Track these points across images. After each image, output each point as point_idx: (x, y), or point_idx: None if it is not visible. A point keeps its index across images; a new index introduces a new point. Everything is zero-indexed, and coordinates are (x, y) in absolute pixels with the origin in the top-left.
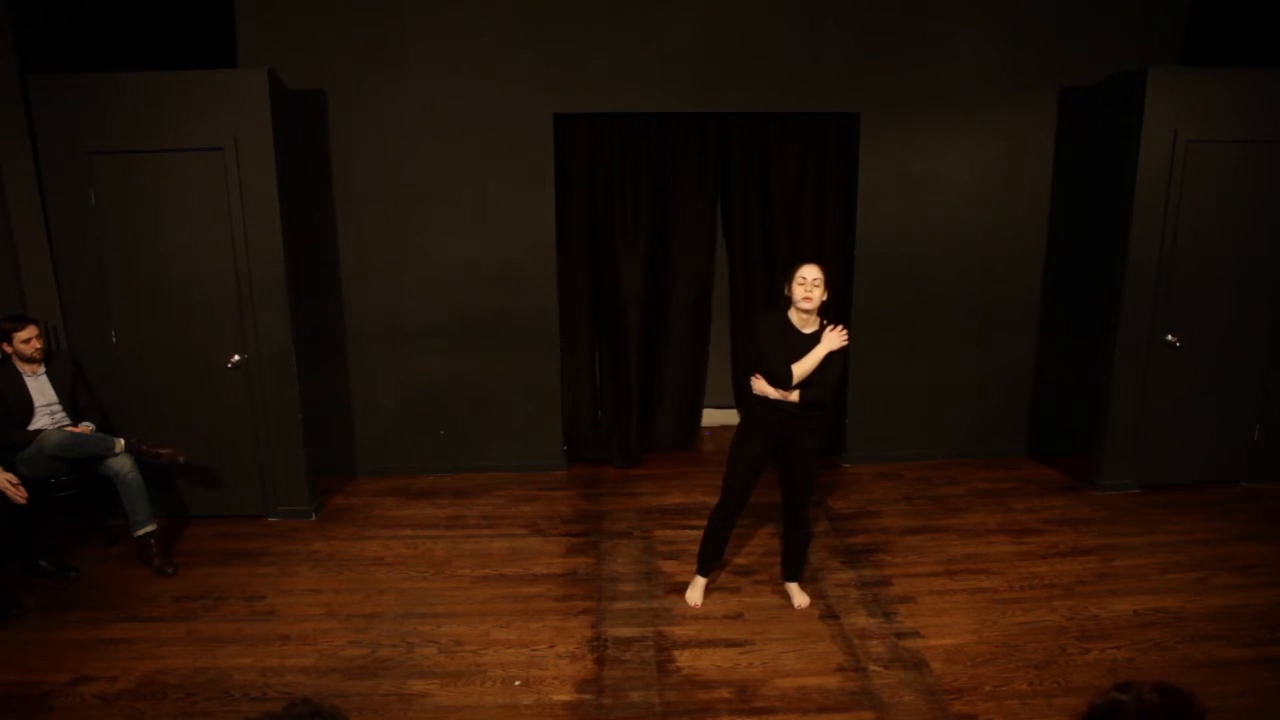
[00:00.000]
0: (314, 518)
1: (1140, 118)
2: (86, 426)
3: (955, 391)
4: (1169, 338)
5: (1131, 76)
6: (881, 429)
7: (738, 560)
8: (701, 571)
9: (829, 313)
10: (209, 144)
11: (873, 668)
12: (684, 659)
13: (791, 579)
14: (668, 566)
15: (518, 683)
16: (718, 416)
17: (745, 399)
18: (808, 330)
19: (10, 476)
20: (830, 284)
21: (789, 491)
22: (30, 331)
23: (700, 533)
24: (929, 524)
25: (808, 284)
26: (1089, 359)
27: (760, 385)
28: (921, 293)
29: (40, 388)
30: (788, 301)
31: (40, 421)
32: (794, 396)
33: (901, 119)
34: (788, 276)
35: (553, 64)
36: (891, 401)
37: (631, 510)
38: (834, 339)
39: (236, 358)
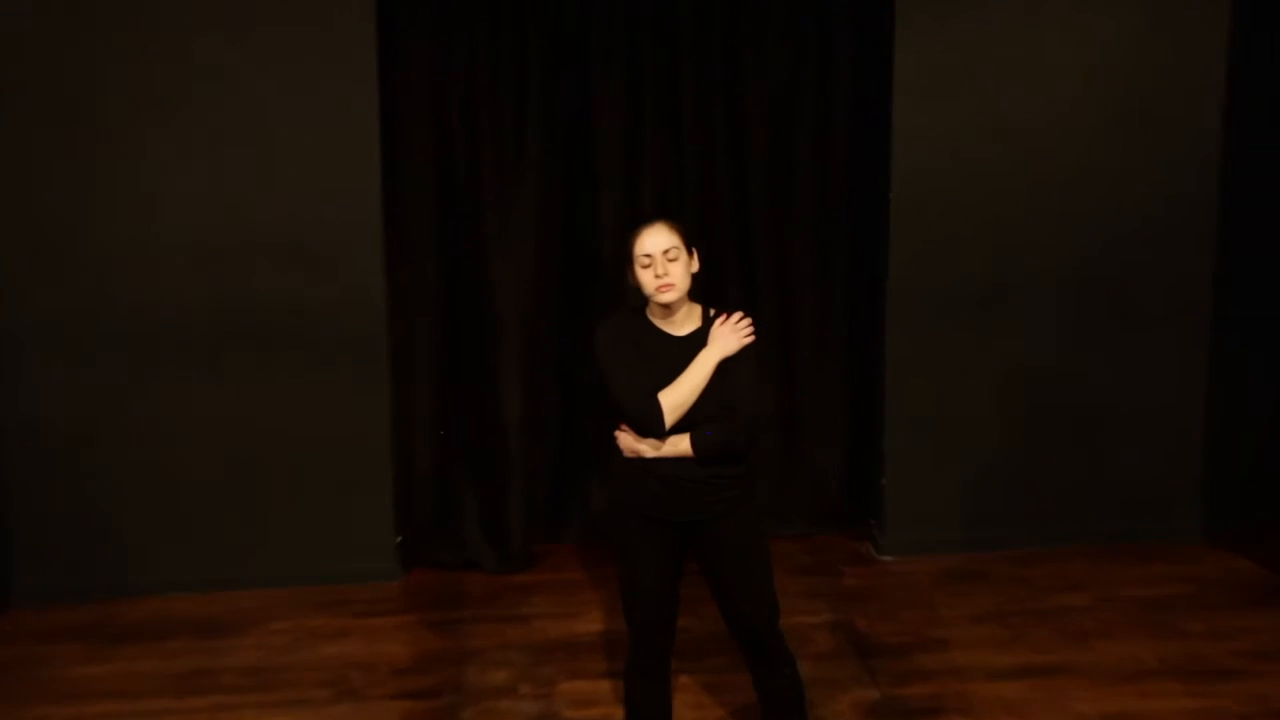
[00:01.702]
0: None
1: None
2: None
3: (1066, 429)
4: None
5: None
6: (941, 493)
7: None
8: None
9: (721, 292)
10: None
11: None
12: None
13: None
14: None
15: None
16: None
17: (614, 466)
18: (682, 331)
19: None
20: (699, 245)
21: (727, 608)
22: None
23: None
24: (1037, 661)
25: (656, 261)
26: None
27: (627, 440)
28: (1001, 264)
29: None
30: (639, 295)
31: None
32: (683, 447)
33: None
34: (624, 253)
35: None
36: (955, 446)
37: (515, 647)
38: (725, 336)
39: None
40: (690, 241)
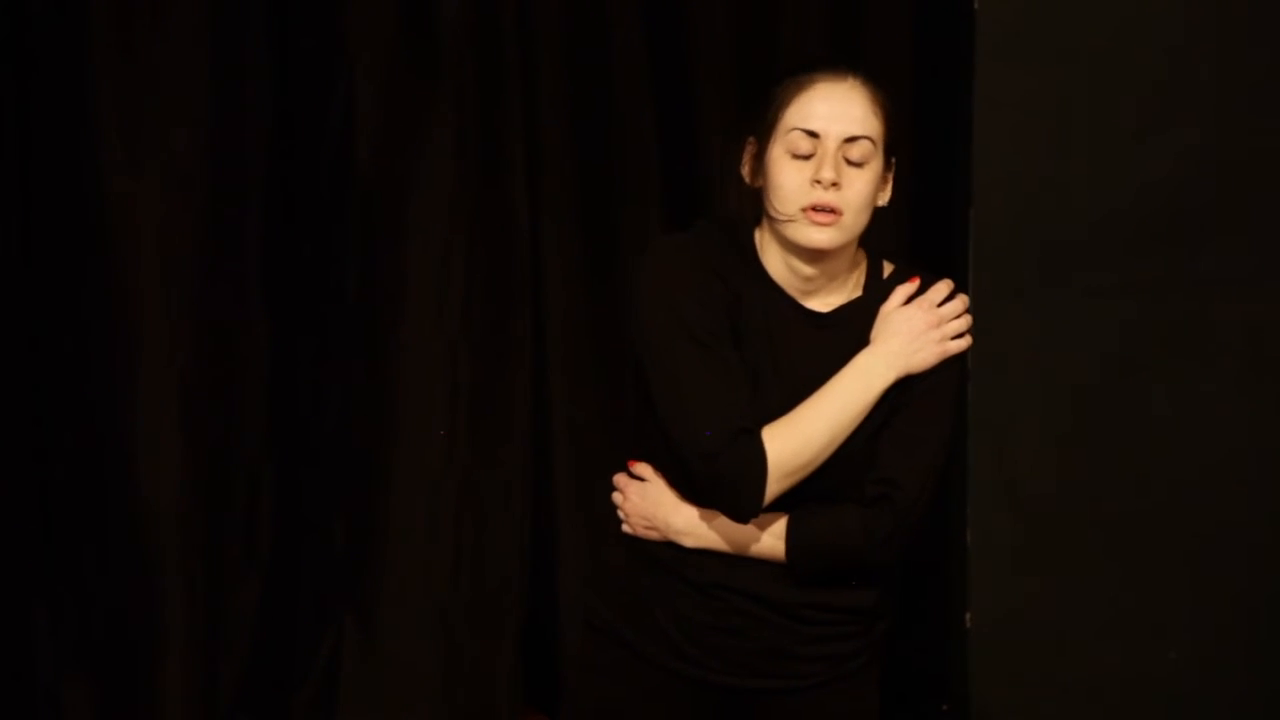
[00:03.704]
0: None
1: None
2: None
3: None
4: None
5: None
6: (1090, 647)
7: None
8: None
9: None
10: None
11: None
12: None
13: None
14: None
15: None
16: None
17: (605, 553)
18: (827, 301)
19: None
20: (902, 152)
21: None
22: None
23: None
24: None
25: (828, 154)
26: None
27: (642, 502)
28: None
29: None
30: (750, 206)
31: None
32: (768, 541)
33: None
34: (766, 116)
35: None
36: (1124, 557)
37: None
38: (917, 331)
39: None
40: (895, 142)
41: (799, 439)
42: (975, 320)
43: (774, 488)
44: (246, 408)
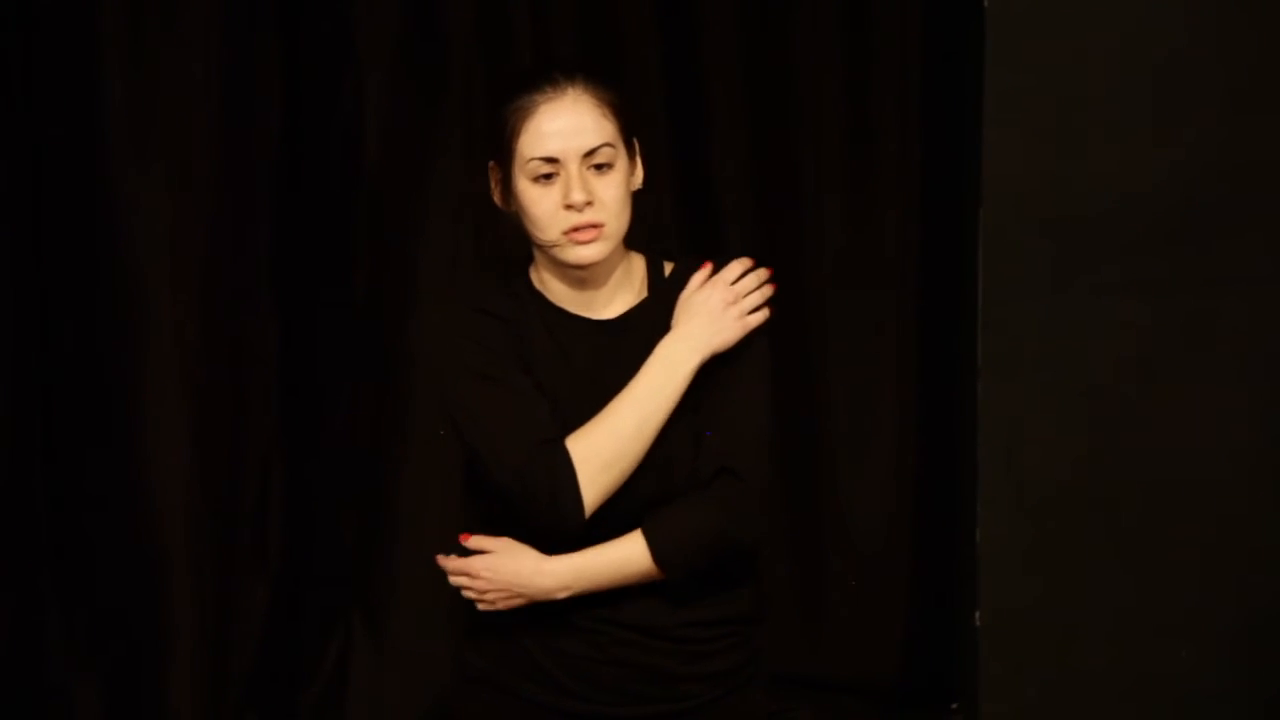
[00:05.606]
0: None
1: None
2: None
3: None
4: None
5: None
6: (1103, 646)
7: None
8: None
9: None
10: None
11: None
12: None
13: None
14: None
15: None
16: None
17: (470, 615)
18: (610, 308)
19: None
20: (641, 133)
21: None
22: None
23: None
24: None
25: (571, 172)
26: None
27: (508, 567)
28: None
29: None
30: (516, 240)
31: None
32: (636, 565)
33: None
34: (491, 144)
35: None
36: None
37: None
38: (715, 311)
39: None
40: (631, 128)
41: (603, 432)
42: (986, 319)
43: (592, 489)
44: (256, 407)
